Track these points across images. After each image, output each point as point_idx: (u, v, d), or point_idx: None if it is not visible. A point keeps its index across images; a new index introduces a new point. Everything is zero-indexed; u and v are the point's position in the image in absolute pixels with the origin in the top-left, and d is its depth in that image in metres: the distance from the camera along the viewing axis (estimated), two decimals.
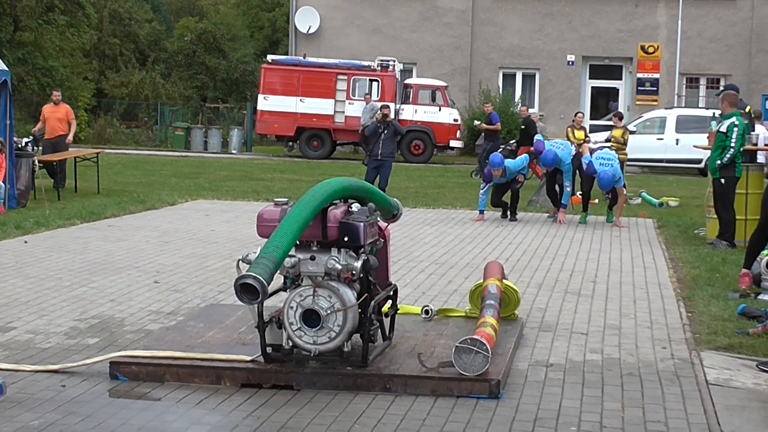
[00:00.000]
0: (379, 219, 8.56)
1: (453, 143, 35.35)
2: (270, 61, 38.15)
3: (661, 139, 33.60)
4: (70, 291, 10.97)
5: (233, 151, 38.21)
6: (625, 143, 24.59)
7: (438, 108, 36.07)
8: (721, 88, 26.39)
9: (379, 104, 31.01)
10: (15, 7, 42.35)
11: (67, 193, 20.99)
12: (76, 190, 21.51)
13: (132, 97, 49.49)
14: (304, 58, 37.49)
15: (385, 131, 22.90)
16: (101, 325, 9.44)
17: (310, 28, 41.29)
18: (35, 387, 7.40)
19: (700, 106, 35.15)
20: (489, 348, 7.11)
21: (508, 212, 19.22)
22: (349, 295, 7.49)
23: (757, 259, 11.41)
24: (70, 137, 23.59)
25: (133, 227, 16.46)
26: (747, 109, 19.29)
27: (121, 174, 24.67)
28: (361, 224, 8.02)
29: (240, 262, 7.88)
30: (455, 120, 35.93)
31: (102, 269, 12.27)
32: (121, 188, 22.07)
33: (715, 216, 15.73)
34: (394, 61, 36.39)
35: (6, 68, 19.45)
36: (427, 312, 9.60)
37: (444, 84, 37.46)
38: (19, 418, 6.59)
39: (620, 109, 31.30)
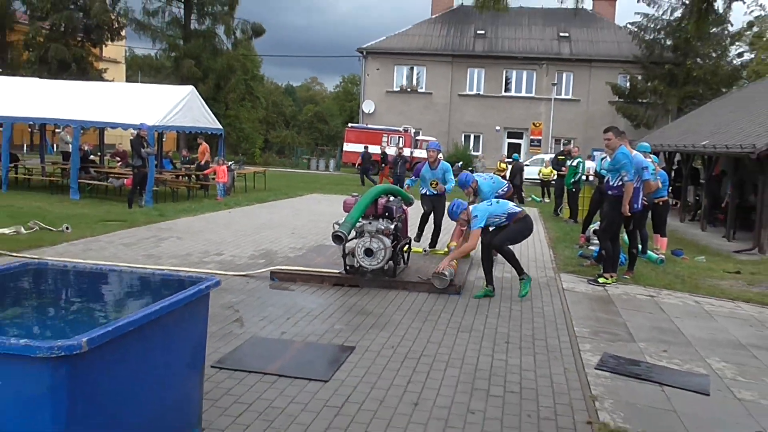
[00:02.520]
0: (402, 204, 9.22)
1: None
2: (349, 126, 39.23)
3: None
4: (250, 237, 11.49)
5: (331, 171, 39.22)
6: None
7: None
8: (570, 144, 27.28)
9: (402, 147, 33.34)
10: (226, 98, 43.89)
11: (250, 189, 21.56)
12: (254, 188, 21.91)
13: (282, 143, 50.95)
14: (366, 125, 38.74)
15: (400, 161, 25.03)
16: (266, 254, 9.92)
17: (369, 110, 42.40)
18: (234, 282, 7.93)
19: (555, 153, 36.58)
20: (449, 273, 7.94)
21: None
22: (387, 242, 8.04)
23: (589, 228, 12.10)
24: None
25: (281, 206, 16.86)
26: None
27: (276, 181, 24.76)
28: (394, 206, 8.74)
29: (335, 224, 8.95)
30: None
31: (266, 227, 12.75)
32: (276, 187, 22.26)
33: (568, 206, 16.44)
34: (410, 127, 37.53)
35: (221, 127, 20.49)
36: (425, 251, 10.35)
37: (435, 139, 38.58)
38: (226, 297, 7.19)
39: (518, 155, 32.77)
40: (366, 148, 28.64)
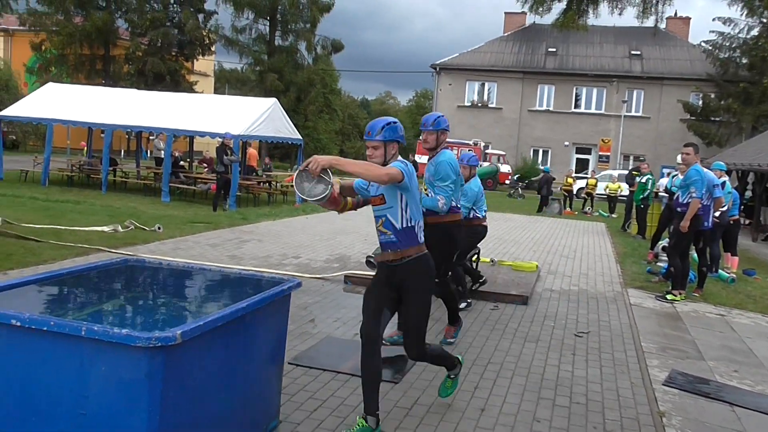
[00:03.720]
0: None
1: (507, 182, 35.84)
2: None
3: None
4: (326, 241, 11.59)
5: None
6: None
7: (501, 164, 36.85)
8: (644, 160, 26.30)
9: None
10: (306, 110, 44.65)
11: None
12: None
13: (357, 154, 51.44)
14: None
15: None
16: (340, 258, 9.99)
17: None
18: (310, 284, 8.00)
19: (630, 168, 35.64)
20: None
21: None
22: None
23: (657, 244, 11.57)
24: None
25: (354, 214, 17.57)
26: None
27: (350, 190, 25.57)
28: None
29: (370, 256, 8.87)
30: (508, 170, 36.42)
31: (340, 233, 12.83)
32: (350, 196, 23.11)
33: (636, 222, 16.02)
34: (479, 141, 37.17)
35: (301, 138, 20.81)
36: (492, 261, 10.07)
37: (504, 153, 37.81)
38: (302, 298, 7.24)
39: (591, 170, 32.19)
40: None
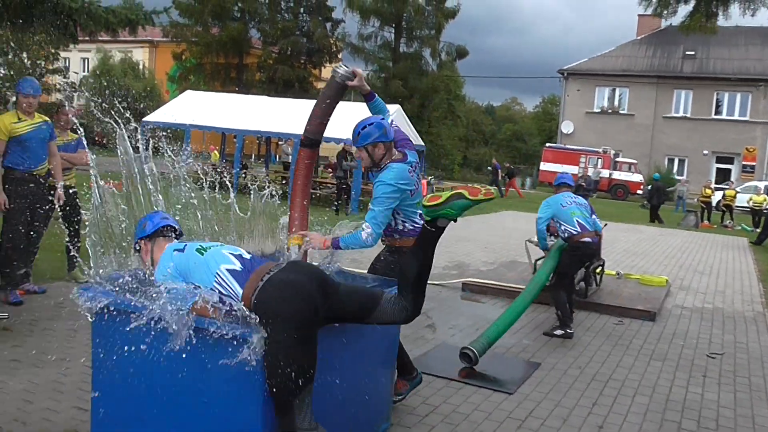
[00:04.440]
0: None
1: (638, 192, 34.39)
2: (547, 146, 38.56)
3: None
4: (444, 249, 11.13)
5: (527, 189, 38.33)
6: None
7: (632, 173, 35.54)
8: None
9: (600, 169, 32.56)
10: (430, 116, 44.83)
11: None
12: None
13: (481, 160, 51.30)
14: (564, 145, 37.86)
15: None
16: (458, 266, 9.99)
17: (568, 130, 41.21)
18: (428, 290, 8.68)
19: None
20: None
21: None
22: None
23: None
24: None
25: (476, 221, 16.63)
26: None
27: None
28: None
29: (527, 241, 8.83)
30: (640, 180, 34.93)
31: (460, 240, 12.67)
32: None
33: None
34: (609, 148, 36.02)
35: (423, 144, 21.02)
36: (618, 274, 9.67)
37: (635, 161, 36.22)
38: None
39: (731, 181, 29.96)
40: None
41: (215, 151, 27.22)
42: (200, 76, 39.29)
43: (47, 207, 6.29)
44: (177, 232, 3.39)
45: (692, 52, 39.74)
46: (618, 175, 35.04)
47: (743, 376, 5.80)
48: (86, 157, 6.91)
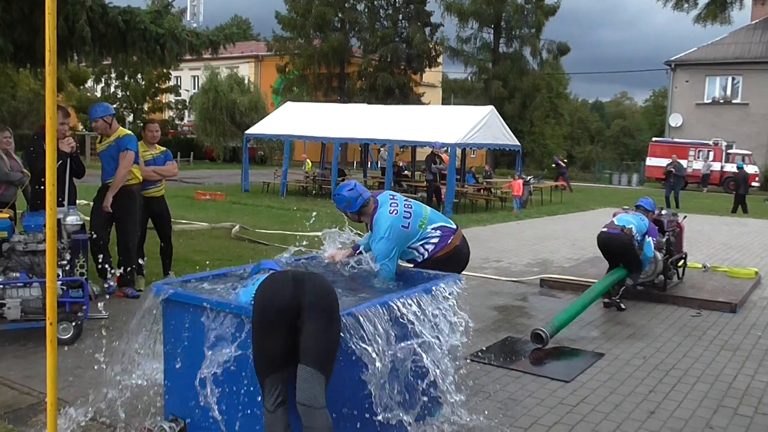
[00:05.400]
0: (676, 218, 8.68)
1: (753, 184, 32.62)
2: (654, 140, 37.43)
3: None
4: (531, 246, 11.71)
5: (633, 185, 37.57)
6: None
7: (747, 165, 33.51)
8: None
9: (711, 162, 31.43)
10: (531, 116, 44.35)
11: (546, 203, 21.74)
12: (551, 201, 21.89)
13: (587, 158, 50.28)
14: (672, 139, 36.60)
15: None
16: (541, 263, 10.07)
17: (677, 123, 39.57)
18: (505, 287, 8.32)
19: None
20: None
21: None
22: (658, 255, 7.66)
23: None
24: None
25: (570, 219, 16.82)
26: None
27: (573, 195, 25.03)
28: (665, 220, 8.41)
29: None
30: (755, 171, 33.09)
31: (548, 238, 12.86)
32: (571, 201, 22.35)
33: None
34: (720, 140, 34.63)
35: (519, 144, 20.73)
36: (704, 267, 9.48)
37: (750, 153, 34.43)
38: (494, 299, 7.54)
39: None
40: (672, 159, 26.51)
41: (308, 160, 28.14)
42: (303, 87, 40.68)
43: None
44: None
45: None
46: (731, 167, 33.43)
47: None
48: (174, 169, 7.63)
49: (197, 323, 3.51)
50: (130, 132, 7.04)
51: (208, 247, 10.16)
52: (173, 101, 44.03)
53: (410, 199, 4.84)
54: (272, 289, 3.18)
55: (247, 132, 22.05)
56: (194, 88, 45.91)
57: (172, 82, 44.01)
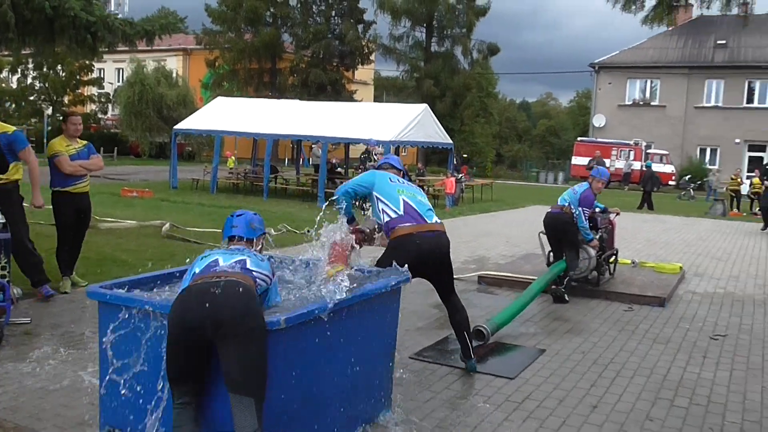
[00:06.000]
0: (609, 216, 8.86)
1: (670, 182, 33.99)
2: (579, 140, 38.43)
3: None
4: (467, 243, 11.74)
5: (559, 183, 38.12)
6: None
7: (664, 164, 34.95)
8: None
9: (632, 161, 32.40)
10: (462, 114, 44.95)
11: (477, 200, 21.89)
12: (481, 199, 22.17)
13: (514, 157, 51.34)
14: (596, 139, 37.60)
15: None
16: (478, 260, 10.13)
17: (600, 124, 40.79)
18: None
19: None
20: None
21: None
22: (591, 252, 7.80)
23: None
24: None
25: (502, 216, 16.98)
26: None
27: (503, 193, 24.91)
28: (598, 218, 8.43)
29: (540, 234, 8.92)
30: (672, 171, 34.59)
31: (483, 235, 12.97)
32: (501, 199, 22.44)
33: None
34: (641, 141, 35.86)
35: (451, 142, 21.01)
36: (633, 262, 9.76)
37: (667, 153, 35.73)
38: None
39: None
40: (595, 154, 27.31)
41: (231, 157, 27.66)
42: (234, 82, 39.96)
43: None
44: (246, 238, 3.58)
45: (723, 41, 39.15)
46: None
47: (742, 355, 5.92)
48: (100, 163, 7.23)
49: (136, 327, 3.33)
50: (12, 127, 6.47)
51: (137, 246, 9.79)
52: (96, 94, 42.50)
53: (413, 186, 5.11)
54: (183, 306, 3.02)
55: (175, 127, 21.45)
56: (119, 81, 44.49)
57: (94, 75, 42.44)
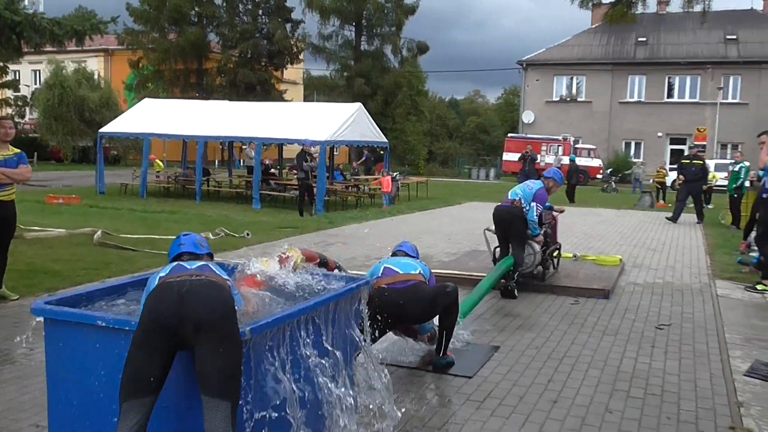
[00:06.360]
0: (552, 211, 8.94)
1: (598, 176, 34.98)
2: (509, 136, 38.99)
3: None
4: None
5: (491, 179, 38.98)
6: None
7: (591, 158, 36.10)
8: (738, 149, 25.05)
9: (561, 156, 33.09)
10: (393, 113, 44.97)
11: (413, 198, 22.14)
12: (417, 197, 22.29)
13: (446, 154, 51.82)
14: (526, 135, 38.21)
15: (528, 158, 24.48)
16: (422, 258, 10.32)
17: (529, 120, 41.77)
18: None
19: (727, 158, 33.93)
20: None
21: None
22: (536, 247, 7.95)
23: (750, 234, 11.07)
24: None
25: (440, 214, 17.14)
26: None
27: (438, 190, 25.05)
28: (543, 213, 8.90)
29: (486, 230, 9.01)
30: (599, 165, 35.53)
31: (424, 233, 12.96)
32: (437, 196, 22.59)
33: (730, 213, 15.56)
34: (569, 136, 36.72)
35: (386, 141, 21.00)
36: (575, 256, 9.98)
37: (595, 147, 36.81)
38: None
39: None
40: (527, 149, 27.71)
41: (157, 161, 26.95)
42: (159, 84, 38.94)
43: None
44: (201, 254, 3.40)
45: (644, 39, 40.56)
46: (578, 161, 35.59)
47: (688, 344, 6.10)
48: (28, 174, 6.87)
49: (89, 346, 3.12)
50: None
51: (69, 255, 9.38)
52: (12, 97, 40.69)
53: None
54: (158, 301, 2.87)
55: (101, 130, 20.73)
56: (36, 83, 42.73)
57: (9, 77, 40.59)
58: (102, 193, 19.71)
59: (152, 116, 20.03)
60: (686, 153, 18.10)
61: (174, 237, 3.59)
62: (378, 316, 4.70)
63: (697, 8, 11.38)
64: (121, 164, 35.40)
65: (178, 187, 21.20)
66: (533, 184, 7.88)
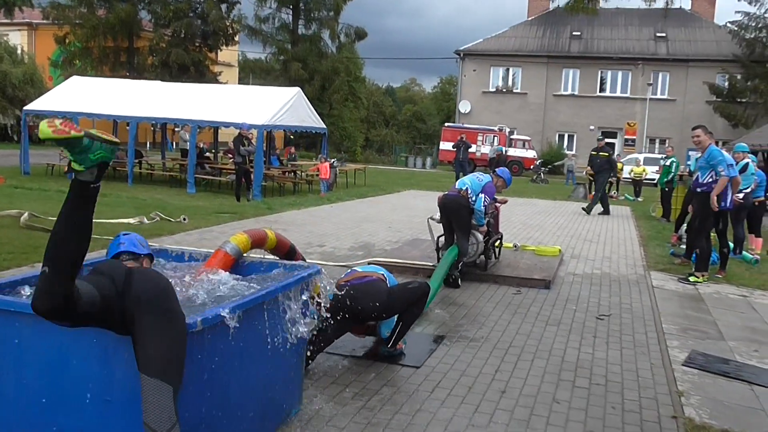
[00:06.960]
0: (497, 202, 9.37)
1: (532, 167, 35.84)
2: (446, 125, 39.07)
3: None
4: (350, 230, 11.67)
5: (427, 168, 39.37)
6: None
7: (526, 149, 36.76)
8: (666, 143, 26.10)
9: (497, 146, 33.52)
10: (331, 99, 44.73)
11: (351, 186, 21.97)
12: (355, 184, 22.25)
13: (382, 141, 51.91)
14: (462, 124, 38.34)
15: (462, 146, 25.74)
16: (364, 246, 10.10)
17: (466, 110, 42.19)
18: (335, 272, 7.79)
19: (656, 152, 35.16)
20: None
21: None
22: (479, 237, 8.03)
23: (681, 227, 11.62)
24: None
25: (379, 202, 17.12)
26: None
27: (376, 177, 24.96)
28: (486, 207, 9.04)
29: (429, 219, 9.02)
30: (534, 156, 36.06)
31: (365, 221, 12.94)
32: (375, 184, 22.56)
33: (661, 205, 16.07)
34: (505, 126, 37.22)
35: (325, 127, 20.96)
36: (515, 246, 10.13)
37: (529, 138, 37.52)
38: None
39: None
40: (461, 138, 27.92)
41: None
42: (87, 61, 37.48)
43: None
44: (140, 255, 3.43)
45: (578, 33, 41.43)
46: (513, 152, 36.23)
47: (628, 334, 6.25)
48: None
49: (27, 336, 2.93)
50: None
51: None
52: None
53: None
54: (97, 275, 2.78)
55: (26, 108, 19.84)
56: None
57: None
58: (27, 173, 18.89)
59: (81, 95, 19.28)
60: (595, 146, 18.58)
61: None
62: (338, 316, 4.76)
63: (659, 2, 11.67)
64: (46, 144, 33.96)
65: (109, 169, 20.41)
66: (483, 177, 7.95)
